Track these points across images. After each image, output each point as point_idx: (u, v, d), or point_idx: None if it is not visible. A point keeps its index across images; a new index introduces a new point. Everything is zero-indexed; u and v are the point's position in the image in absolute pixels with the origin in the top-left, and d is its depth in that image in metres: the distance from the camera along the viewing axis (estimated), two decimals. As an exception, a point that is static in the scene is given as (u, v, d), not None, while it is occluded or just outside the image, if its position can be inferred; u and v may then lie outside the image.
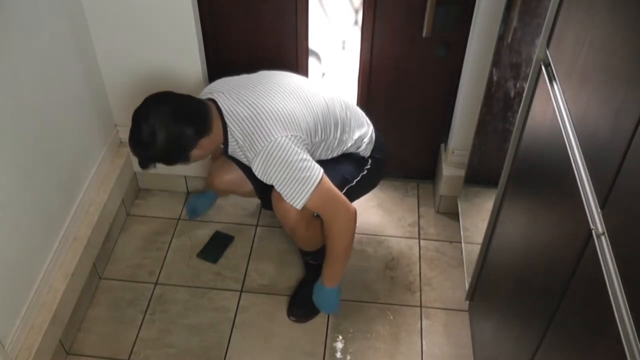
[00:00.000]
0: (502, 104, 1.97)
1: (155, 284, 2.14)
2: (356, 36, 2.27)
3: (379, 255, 2.24)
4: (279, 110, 1.70)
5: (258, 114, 1.69)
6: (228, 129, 1.72)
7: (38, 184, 1.80)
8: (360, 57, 2.18)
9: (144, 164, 1.72)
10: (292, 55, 2.19)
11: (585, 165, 1.03)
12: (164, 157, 1.69)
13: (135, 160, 2.34)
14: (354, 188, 1.91)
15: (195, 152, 1.71)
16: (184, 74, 2.13)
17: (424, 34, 1.95)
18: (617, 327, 0.83)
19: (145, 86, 2.18)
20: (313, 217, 1.84)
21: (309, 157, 1.69)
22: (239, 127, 1.70)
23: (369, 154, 1.96)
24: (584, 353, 0.99)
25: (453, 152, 2.25)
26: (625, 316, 0.83)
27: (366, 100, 2.27)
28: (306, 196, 1.67)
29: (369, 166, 1.95)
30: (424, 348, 1.96)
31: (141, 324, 2.02)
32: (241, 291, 2.12)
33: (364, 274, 2.17)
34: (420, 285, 2.14)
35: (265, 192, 2.00)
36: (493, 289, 1.69)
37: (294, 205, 1.69)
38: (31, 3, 1.71)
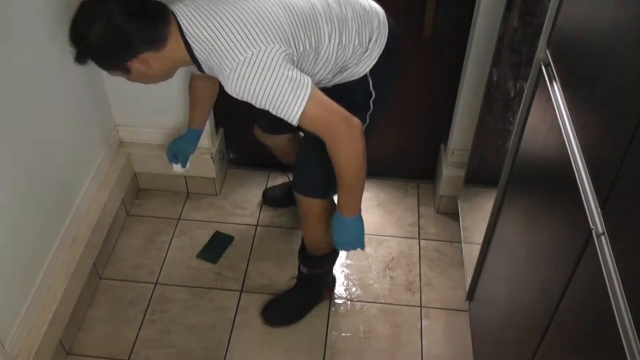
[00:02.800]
0: (502, 104, 1.97)
1: (155, 284, 2.14)
2: (356, 36, 2.28)
3: (379, 255, 2.24)
4: (248, 19, 1.43)
5: (223, 27, 1.42)
6: (192, 49, 1.47)
7: (38, 184, 1.80)
8: (360, 57, 2.17)
9: (78, 57, 1.45)
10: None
11: (585, 165, 1.03)
12: (97, 54, 1.44)
13: (135, 161, 2.37)
14: (369, 127, 1.68)
15: (137, 66, 1.46)
16: (184, 73, 2.12)
17: (424, 34, 1.95)
18: (617, 327, 0.83)
19: (145, 86, 2.17)
20: (328, 203, 1.73)
21: (292, 67, 1.43)
22: (202, 46, 1.45)
23: (371, 66, 1.64)
24: (584, 353, 0.99)
25: (453, 152, 2.25)
26: (625, 316, 0.83)
27: (366, 100, 2.27)
28: (300, 110, 1.42)
29: (373, 96, 1.68)
30: (424, 348, 1.96)
31: (141, 324, 2.02)
32: (241, 291, 2.12)
33: (364, 274, 2.17)
34: (420, 285, 2.14)
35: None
36: (493, 289, 1.69)
37: (288, 119, 1.44)
38: (30, 4, 1.71)
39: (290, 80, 1.40)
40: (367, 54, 1.62)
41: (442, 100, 2.22)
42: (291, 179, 2.30)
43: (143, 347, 1.95)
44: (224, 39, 1.42)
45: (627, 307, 0.83)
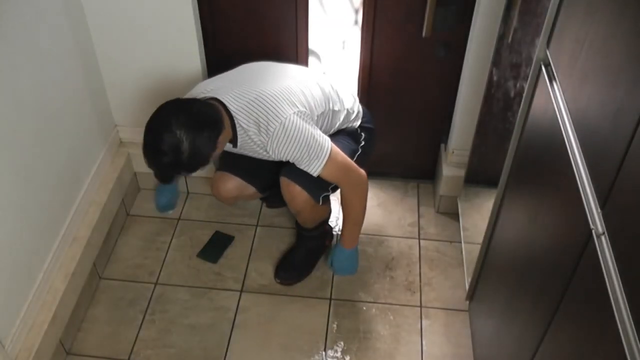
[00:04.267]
0: (502, 104, 1.97)
1: (155, 284, 2.14)
2: (356, 36, 2.27)
3: (379, 255, 2.24)
4: (279, 91, 1.77)
5: (263, 99, 1.74)
6: (236, 122, 1.75)
7: (38, 184, 1.80)
8: (360, 57, 2.18)
9: (166, 177, 1.75)
10: (292, 55, 2.19)
11: (585, 165, 1.03)
12: (189, 164, 1.67)
13: (135, 160, 2.36)
14: (360, 157, 1.99)
15: (215, 153, 1.73)
16: (184, 73, 2.13)
17: (424, 34, 1.95)
18: (617, 327, 0.83)
19: (145, 86, 2.18)
20: (317, 204, 1.93)
21: (316, 129, 1.78)
22: (247, 117, 1.74)
23: (358, 125, 2.03)
24: (584, 353, 0.99)
25: (453, 152, 2.25)
26: (625, 316, 0.83)
27: (366, 100, 2.27)
28: (322, 163, 1.76)
29: (363, 137, 2.03)
30: (424, 348, 1.96)
31: (141, 324, 2.02)
32: (241, 291, 2.12)
33: (364, 274, 2.17)
34: (420, 285, 2.14)
35: (265, 190, 2.10)
36: (493, 289, 1.69)
37: (312, 172, 1.78)
38: (31, 4, 1.71)
39: (317, 138, 1.75)
40: (353, 117, 2.01)
41: (442, 100, 2.23)
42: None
43: (143, 347, 1.95)
44: (266, 105, 1.74)
45: (627, 307, 0.83)
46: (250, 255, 2.24)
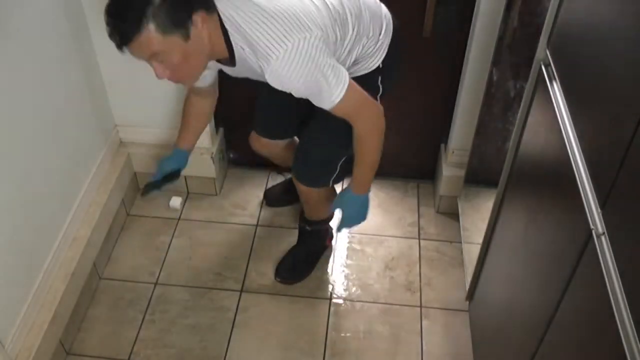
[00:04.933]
0: (502, 104, 1.97)
1: (155, 284, 2.14)
2: (356, 36, 2.27)
3: (379, 255, 2.24)
4: (288, 9, 1.43)
5: (265, 16, 1.42)
6: (230, 35, 1.44)
7: (38, 184, 1.80)
8: (360, 57, 2.17)
9: (132, 29, 1.34)
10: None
11: (585, 165, 1.03)
12: (160, 11, 1.32)
13: (135, 160, 2.36)
14: (382, 95, 1.76)
15: (197, 27, 1.38)
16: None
17: (424, 34, 1.95)
18: (617, 327, 0.83)
19: (145, 86, 2.18)
20: (326, 190, 1.94)
21: (330, 58, 1.46)
22: (242, 32, 1.43)
23: (382, 59, 1.71)
24: (584, 353, 0.99)
25: (453, 152, 2.25)
26: (625, 316, 0.83)
27: (366, 100, 2.27)
28: (335, 101, 1.48)
29: (381, 76, 1.73)
30: (424, 348, 1.96)
31: (141, 324, 2.02)
32: (241, 291, 2.12)
33: (364, 274, 2.17)
34: (420, 285, 2.14)
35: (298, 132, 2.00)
36: (493, 289, 1.69)
37: (326, 107, 1.50)
38: (31, 4, 1.71)
39: (332, 69, 1.45)
40: (377, 45, 1.68)
41: (442, 100, 2.22)
42: (287, 177, 2.39)
43: (143, 347, 1.95)
44: (266, 26, 1.41)
45: (627, 307, 0.83)
46: (250, 255, 2.24)
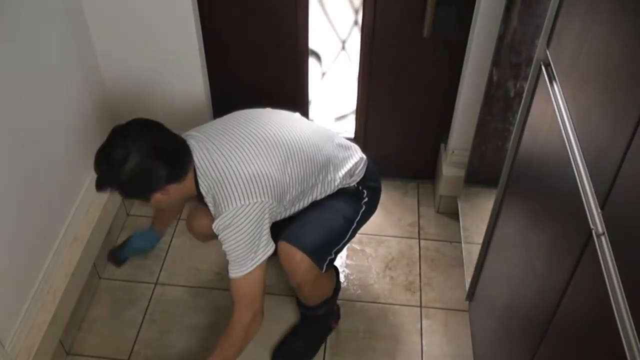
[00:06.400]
0: (502, 104, 1.97)
1: (155, 284, 2.14)
2: (356, 36, 2.28)
3: (379, 255, 2.24)
4: (248, 177, 1.55)
5: (227, 176, 1.56)
6: (199, 185, 1.59)
7: (38, 184, 1.80)
8: (360, 57, 2.18)
9: (99, 185, 1.54)
10: (292, 55, 2.19)
11: (585, 165, 1.03)
12: (126, 186, 1.53)
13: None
14: (357, 225, 1.81)
15: (158, 196, 1.57)
16: (184, 74, 2.13)
17: (424, 34, 1.95)
18: (617, 327, 0.83)
19: (145, 86, 2.18)
20: (321, 273, 1.73)
21: (267, 229, 1.59)
22: (207, 184, 1.58)
23: (358, 181, 1.79)
24: (584, 353, 0.99)
25: (453, 152, 2.25)
26: (625, 316, 0.83)
27: (366, 100, 2.27)
28: (243, 273, 1.57)
29: (365, 198, 1.81)
30: (424, 348, 1.96)
31: (141, 324, 2.02)
32: (241, 291, 2.12)
33: (364, 274, 2.17)
34: (420, 285, 2.14)
35: None
36: (493, 289, 1.69)
37: (233, 275, 1.59)
38: (32, 6, 1.71)
39: (255, 247, 1.56)
40: (351, 179, 1.79)
41: (442, 100, 2.23)
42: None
43: (143, 347, 1.95)
44: (228, 185, 1.55)
45: (627, 307, 0.83)
46: (250, 255, 2.24)
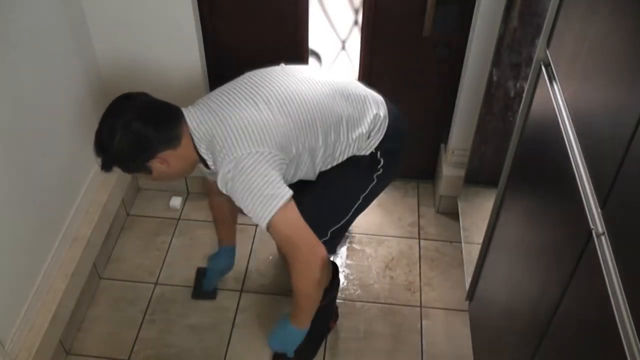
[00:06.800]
0: (502, 104, 1.97)
1: (155, 284, 2.14)
2: (356, 36, 2.28)
3: (379, 255, 2.24)
4: (246, 125, 1.51)
5: (223, 129, 1.52)
6: (197, 147, 1.56)
7: (38, 184, 1.80)
8: (360, 57, 2.18)
9: (102, 166, 1.56)
10: (292, 56, 2.18)
11: (585, 165, 1.03)
12: (120, 159, 1.53)
13: (135, 161, 2.36)
14: (364, 201, 1.75)
15: (158, 166, 1.55)
16: (185, 74, 2.13)
17: (424, 34, 1.95)
18: (617, 327, 0.83)
19: (145, 86, 2.18)
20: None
21: (276, 175, 1.49)
22: (205, 143, 1.55)
23: (376, 145, 1.68)
24: (584, 353, 0.99)
25: (453, 152, 2.25)
26: (625, 316, 0.83)
27: (366, 100, 2.27)
28: (269, 215, 1.47)
29: (380, 169, 1.71)
30: (424, 348, 1.96)
31: (141, 324, 2.02)
32: (241, 291, 2.12)
33: (364, 274, 2.17)
34: (420, 285, 2.14)
35: None
36: (493, 289, 1.69)
37: (260, 222, 1.50)
38: (31, 4, 1.71)
39: (268, 188, 1.47)
40: (368, 140, 1.68)
41: (442, 100, 2.22)
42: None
43: (143, 347, 1.95)
44: (223, 137, 1.51)
45: (627, 307, 0.83)
46: (250, 255, 2.24)
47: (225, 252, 2.01)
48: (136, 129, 1.49)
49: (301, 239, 1.51)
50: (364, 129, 1.65)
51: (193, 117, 1.56)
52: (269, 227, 1.50)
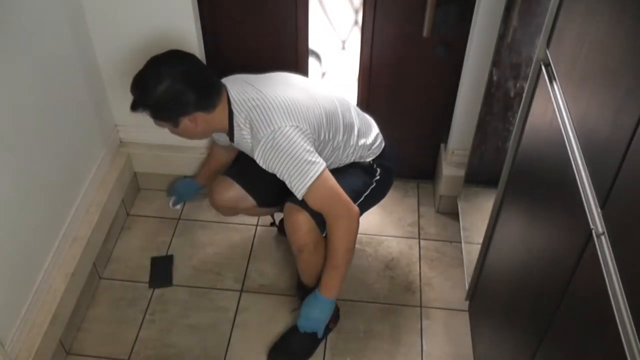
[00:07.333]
0: (502, 104, 1.97)
1: (155, 284, 2.14)
2: (356, 36, 2.28)
3: (379, 255, 2.24)
4: (285, 101, 1.68)
5: (264, 102, 1.68)
6: (234, 116, 1.71)
7: (38, 184, 1.80)
8: (360, 57, 2.18)
9: (134, 106, 1.68)
10: (292, 55, 2.19)
11: (585, 165, 1.03)
12: (155, 107, 1.66)
13: (135, 160, 2.37)
14: (365, 201, 1.85)
15: (187, 122, 1.69)
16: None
17: (424, 34, 1.95)
18: (617, 327, 0.83)
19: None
20: (322, 238, 1.76)
21: (312, 148, 1.66)
22: (245, 114, 1.69)
23: (373, 158, 1.90)
24: (584, 353, 0.99)
25: (453, 152, 2.25)
26: (625, 316, 0.83)
27: (366, 100, 2.27)
28: (307, 185, 1.63)
29: (378, 177, 1.90)
30: (424, 348, 1.96)
31: (141, 324, 2.02)
32: (241, 291, 2.12)
33: (364, 274, 2.17)
34: (420, 285, 2.14)
35: (264, 205, 1.99)
36: (493, 289, 1.70)
37: (297, 192, 1.65)
38: (31, 5, 1.71)
39: (308, 156, 1.63)
40: (369, 152, 1.90)
41: (442, 100, 2.23)
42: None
43: (143, 347, 1.95)
44: (264, 110, 1.67)
45: (627, 307, 0.83)
46: (250, 255, 2.24)
47: (192, 184, 2.26)
48: (181, 88, 1.63)
49: (341, 198, 1.68)
50: (368, 140, 1.88)
51: (238, 91, 1.72)
52: (308, 191, 1.64)
